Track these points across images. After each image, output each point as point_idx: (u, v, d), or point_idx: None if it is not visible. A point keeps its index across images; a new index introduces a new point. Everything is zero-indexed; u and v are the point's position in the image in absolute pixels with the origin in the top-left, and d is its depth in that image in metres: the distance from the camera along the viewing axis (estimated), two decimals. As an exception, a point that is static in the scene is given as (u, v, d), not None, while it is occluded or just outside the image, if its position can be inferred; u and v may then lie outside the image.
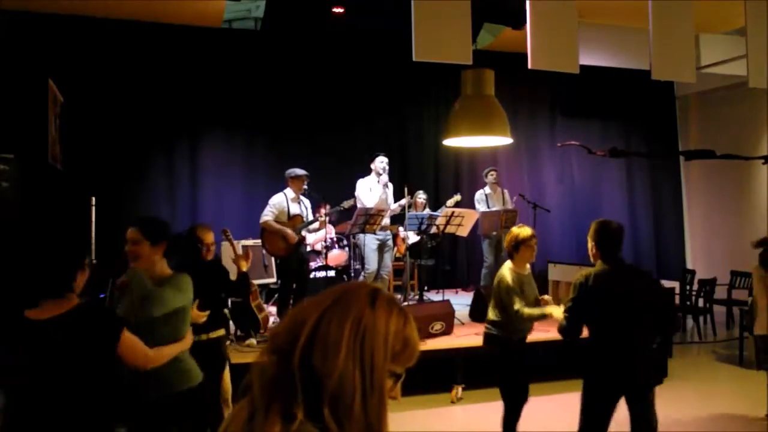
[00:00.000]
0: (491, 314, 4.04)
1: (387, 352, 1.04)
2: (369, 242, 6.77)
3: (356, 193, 6.90)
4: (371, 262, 6.81)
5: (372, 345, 1.02)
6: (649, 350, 3.34)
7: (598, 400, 3.34)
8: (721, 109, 9.83)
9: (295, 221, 6.26)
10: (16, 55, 6.79)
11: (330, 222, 7.14)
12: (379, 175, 6.91)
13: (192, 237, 3.84)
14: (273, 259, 7.15)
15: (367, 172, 7.07)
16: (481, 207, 8.09)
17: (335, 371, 0.99)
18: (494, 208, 7.98)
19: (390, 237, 7.11)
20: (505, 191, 8.36)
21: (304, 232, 6.43)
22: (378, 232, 6.74)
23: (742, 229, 9.46)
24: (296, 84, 8.35)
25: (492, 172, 8.24)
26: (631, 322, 3.29)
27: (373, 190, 6.87)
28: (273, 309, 6.67)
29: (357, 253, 7.47)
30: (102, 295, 3.04)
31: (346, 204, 6.74)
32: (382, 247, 6.89)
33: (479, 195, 8.24)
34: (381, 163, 6.93)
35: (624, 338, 3.28)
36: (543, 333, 5.25)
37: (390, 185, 7.03)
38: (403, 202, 7.01)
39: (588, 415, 3.35)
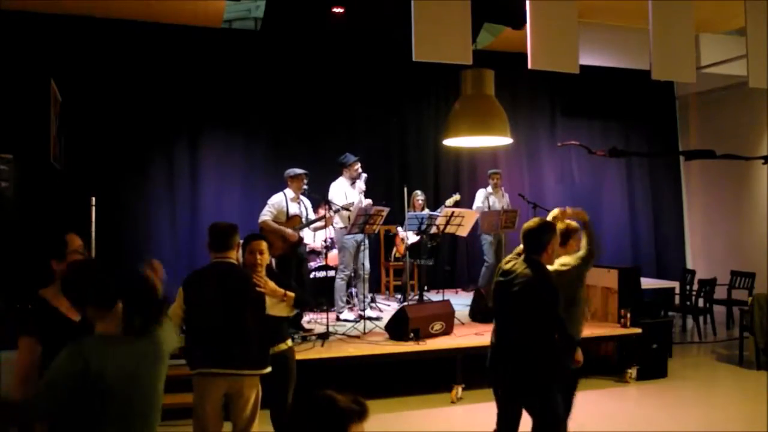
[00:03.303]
0: None
1: None
2: (348, 244, 6.64)
3: (331, 197, 6.64)
4: (349, 264, 6.71)
5: None
6: (532, 351, 3.26)
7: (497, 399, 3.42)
8: (721, 109, 9.83)
9: (294, 221, 6.25)
10: (17, 55, 6.80)
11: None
12: (354, 179, 6.79)
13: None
14: (272, 259, 7.14)
15: (338, 174, 6.87)
16: (478, 203, 8.15)
17: None
18: (494, 208, 8.02)
19: (364, 237, 7.00)
20: (506, 194, 8.39)
21: (307, 232, 6.39)
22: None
23: (742, 229, 9.47)
24: (296, 84, 8.35)
25: (495, 176, 8.27)
26: (508, 321, 3.34)
27: (348, 194, 6.72)
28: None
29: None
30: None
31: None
32: (358, 248, 6.82)
33: (482, 192, 8.28)
34: (358, 167, 6.79)
35: (504, 337, 3.34)
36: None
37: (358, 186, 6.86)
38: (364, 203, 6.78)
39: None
